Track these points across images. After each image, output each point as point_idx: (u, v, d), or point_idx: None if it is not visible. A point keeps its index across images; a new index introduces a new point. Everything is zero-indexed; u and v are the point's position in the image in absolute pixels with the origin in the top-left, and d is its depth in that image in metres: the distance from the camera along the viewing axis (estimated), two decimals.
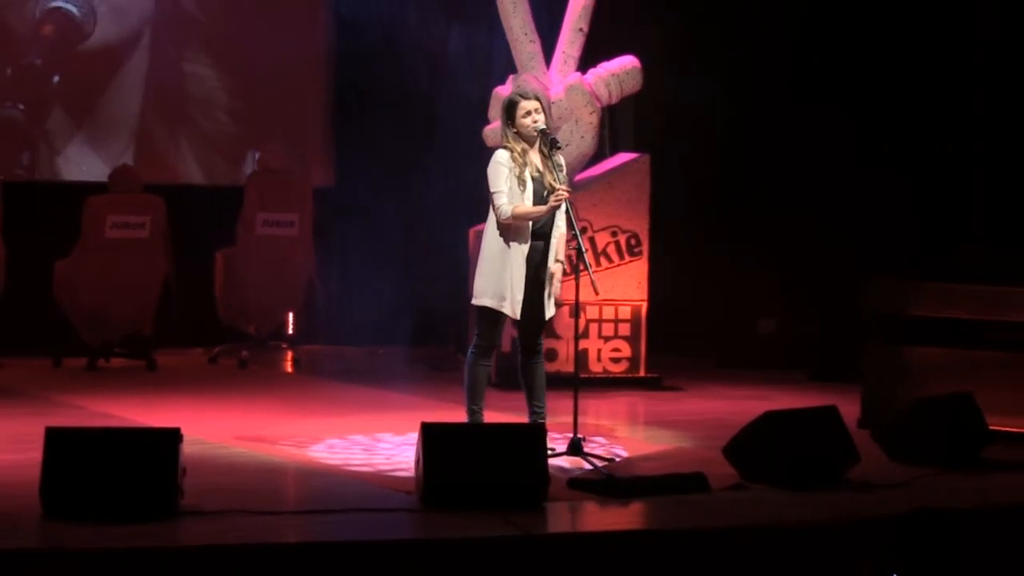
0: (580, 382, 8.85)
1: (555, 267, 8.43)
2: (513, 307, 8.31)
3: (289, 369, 12.55)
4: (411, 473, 7.75)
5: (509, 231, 8.31)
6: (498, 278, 8.33)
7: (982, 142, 12.31)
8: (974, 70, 12.35)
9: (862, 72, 12.40)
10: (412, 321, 12.84)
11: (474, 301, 8.48)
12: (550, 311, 8.50)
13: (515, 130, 8.39)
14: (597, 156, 11.85)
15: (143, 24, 13.20)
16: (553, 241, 8.41)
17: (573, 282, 8.55)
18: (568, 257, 8.46)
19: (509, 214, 8.26)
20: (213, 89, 13.39)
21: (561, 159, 8.49)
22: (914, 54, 12.29)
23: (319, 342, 13.26)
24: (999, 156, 12.29)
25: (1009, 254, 11.48)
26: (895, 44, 12.30)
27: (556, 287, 8.46)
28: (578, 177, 11.27)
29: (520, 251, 8.31)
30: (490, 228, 8.38)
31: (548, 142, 8.41)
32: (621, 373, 11.48)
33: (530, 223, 8.31)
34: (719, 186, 12.82)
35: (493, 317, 8.42)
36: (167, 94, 13.29)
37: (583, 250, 8.40)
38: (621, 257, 11.47)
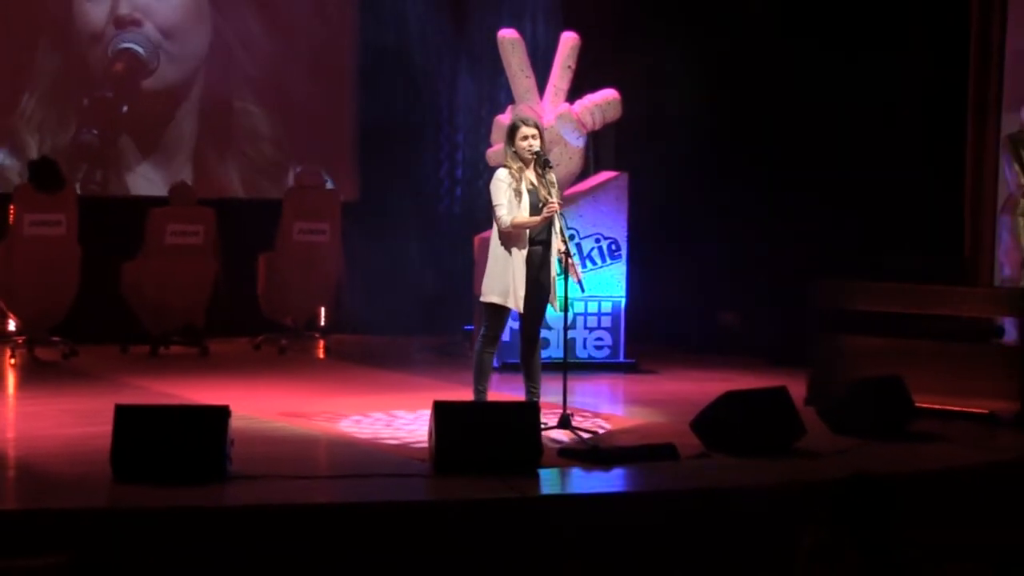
0: (568, 366, 8.86)
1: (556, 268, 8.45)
2: (516, 302, 8.31)
3: (321, 355, 12.55)
4: (425, 444, 7.76)
5: (510, 239, 8.31)
6: (502, 279, 8.33)
7: (916, 163, 12.32)
8: (901, 97, 12.36)
9: (808, 100, 12.40)
10: (425, 314, 12.87)
11: (482, 298, 8.48)
12: (553, 302, 8.51)
13: (514, 150, 8.39)
14: (583, 174, 11.86)
15: (199, 64, 13.20)
16: (553, 247, 8.40)
17: (564, 280, 8.55)
18: (558, 260, 8.45)
19: (509, 223, 8.27)
20: (257, 118, 13.40)
21: (553, 176, 8.49)
22: (856, 84, 12.30)
23: (347, 332, 13.26)
24: (929, 174, 12.29)
25: (932, 258, 11.50)
26: (840, 74, 12.32)
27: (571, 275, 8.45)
28: (567, 192, 11.26)
29: (520, 255, 8.31)
30: (494, 237, 8.38)
31: (542, 162, 8.41)
32: (604, 359, 11.48)
33: (527, 231, 8.31)
34: (689, 199, 12.82)
35: (498, 311, 8.42)
36: (218, 122, 13.29)
37: (571, 253, 8.41)
38: (603, 260, 11.46)
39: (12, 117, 12.61)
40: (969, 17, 11.89)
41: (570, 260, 8.38)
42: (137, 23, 12.91)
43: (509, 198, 8.27)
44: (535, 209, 8.31)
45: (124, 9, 12.86)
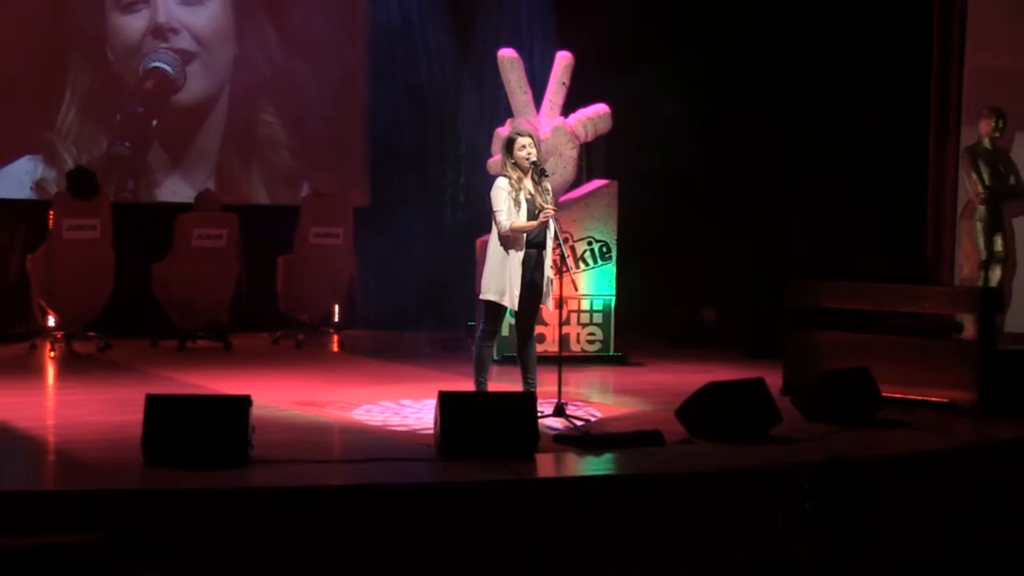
0: (563, 359, 8.85)
1: (549, 272, 8.45)
2: (512, 300, 8.31)
3: (335, 349, 12.54)
4: (431, 431, 7.75)
5: (508, 242, 8.30)
6: (500, 278, 8.32)
7: (882, 173, 12.34)
8: (869, 113, 12.37)
9: (784, 115, 12.43)
10: (431, 311, 12.87)
11: (481, 296, 8.48)
12: (547, 301, 8.51)
13: (513, 161, 8.38)
14: (576, 182, 11.86)
15: (224, 81, 13.19)
16: (547, 250, 8.40)
17: (559, 281, 8.54)
18: (554, 262, 8.45)
19: (508, 228, 8.26)
20: (277, 131, 13.39)
21: (548, 185, 8.48)
22: (830, 102, 12.33)
23: (359, 327, 13.27)
24: (895, 183, 12.31)
25: (896, 259, 11.51)
26: (816, 92, 12.34)
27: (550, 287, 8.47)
28: (561, 199, 11.26)
29: (517, 257, 8.30)
30: (493, 239, 8.37)
31: (538, 171, 8.40)
32: (595, 352, 11.48)
33: (525, 235, 8.31)
34: (674, 205, 12.84)
35: (496, 309, 8.41)
36: (241, 135, 13.28)
37: (565, 256, 8.40)
38: (595, 261, 11.46)
39: (51, 132, 12.59)
40: (931, 40, 11.92)
41: (564, 267, 8.37)
42: (174, 30, 12.90)
43: (508, 205, 8.27)
44: (532, 215, 8.30)
45: (162, 18, 12.86)
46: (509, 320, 8.99)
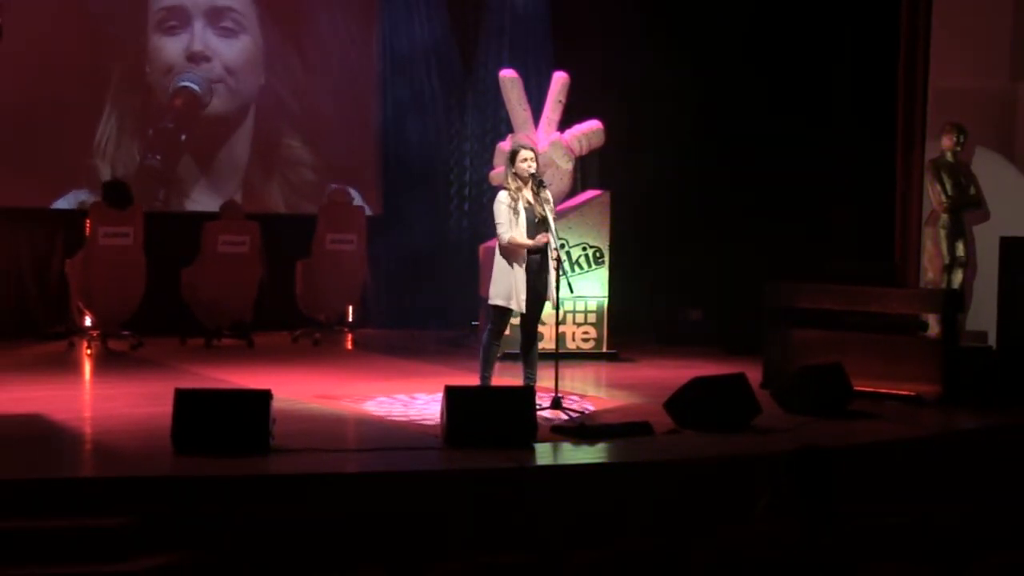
0: (560, 356, 8.85)
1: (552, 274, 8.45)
2: (519, 304, 8.31)
3: (350, 347, 12.53)
4: (438, 422, 7.75)
5: (511, 251, 8.32)
6: (506, 284, 8.33)
7: (853, 183, 12.35)
8: (842, 130, 12.39)
9: (762, 133, 12.43)
10: (437, 312, 12.86)
11: (489, 301, 8.47)
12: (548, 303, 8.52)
13: (514, 171, 8.39)
14: (572, 192, 11.86)
15: (251, 100, 13.18)
16: (548, 257, 8.39)
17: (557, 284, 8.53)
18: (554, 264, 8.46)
19: (507, 241, 8.28)
20: (297, 147, 13.37)
21: (548, 195, 8.48)
22: (803, 122, 12.34)
23: (371, 326, 13.26)
24: (865, 192, 12.32)
25: (867, 263, 11.52)
26: (791, 112, 12.35)
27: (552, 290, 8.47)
28: (558, 208, 11.23)
29: (521, 265, 8.32)
30: (499, 250, 8.39)
31: (537, 183, 8.41)
32: (589, 349, 11.47)
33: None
34: (662, 214, 12.84)
35: (503, 312, 8.41)
36: (264, 150, 13.27)
37: (562, 260, 8.41)
38: (590, 266, 11.46)
39: (91, 150, 12.56)
40: (898, 61, 11.94)
41: (561, 271, 8.36)
42: (207, 59, 12.90)
43: (508, 217, 8.29)
44: (531, 222, 8.32)
45: (197, 46, 12.85)
46: (511, 320, 9.00)
